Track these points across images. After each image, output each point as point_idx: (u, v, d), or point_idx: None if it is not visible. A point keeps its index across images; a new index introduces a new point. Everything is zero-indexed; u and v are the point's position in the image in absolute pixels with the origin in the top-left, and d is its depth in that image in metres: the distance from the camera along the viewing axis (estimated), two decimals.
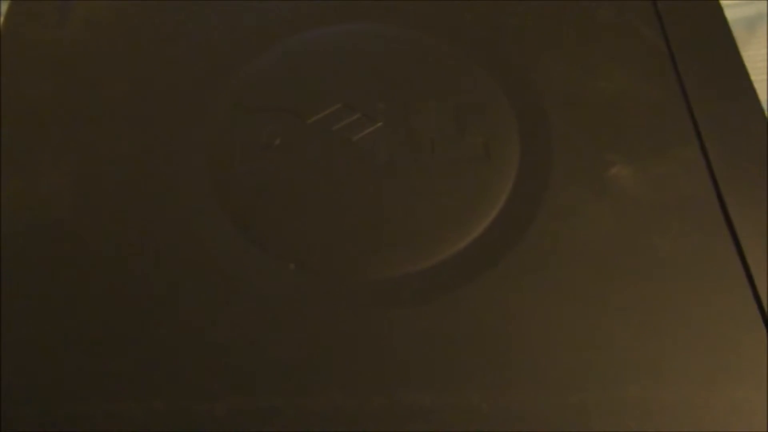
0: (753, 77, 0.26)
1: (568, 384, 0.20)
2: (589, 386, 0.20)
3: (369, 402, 0.20)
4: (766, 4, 0.36)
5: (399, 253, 0.22)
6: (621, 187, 0.24)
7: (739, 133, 0.25)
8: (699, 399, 0.20)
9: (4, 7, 0.29)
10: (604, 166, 0.24)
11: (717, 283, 0.22)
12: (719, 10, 0.28)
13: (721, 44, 0.27)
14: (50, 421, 0.19)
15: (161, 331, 0.21)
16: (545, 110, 0.25)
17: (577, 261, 0.22)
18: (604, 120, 0.25)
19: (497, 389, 0.20)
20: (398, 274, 0.22)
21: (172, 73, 0.26)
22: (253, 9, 0.28)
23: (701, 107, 0.25)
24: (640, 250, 0.22)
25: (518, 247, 0.22)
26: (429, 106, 0.25)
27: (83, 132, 0.25)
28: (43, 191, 0.23)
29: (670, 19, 0.28)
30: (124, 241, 0.22)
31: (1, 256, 0.22)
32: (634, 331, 0.21)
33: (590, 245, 0.22)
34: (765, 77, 0.34)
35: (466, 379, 0.20)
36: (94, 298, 0.21)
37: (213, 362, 0.20)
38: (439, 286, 0.22)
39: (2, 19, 0.28)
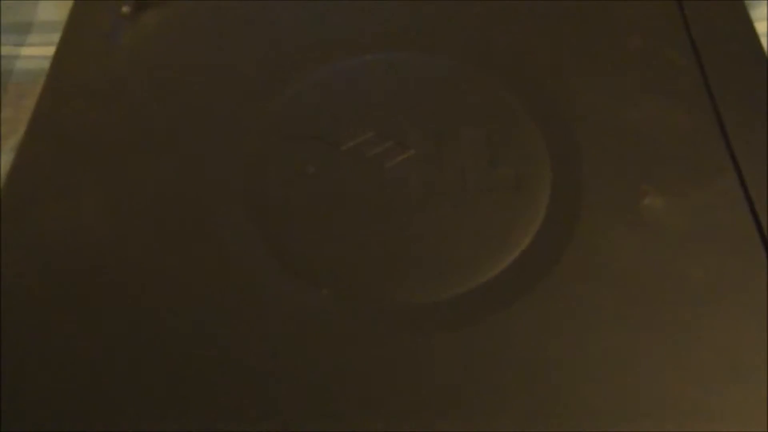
0: None
1: (600, 414, 0.20)
2: (620, 417, 0.20)
3: (400, 428, 0.20)
4: None
5: (431, 280, 0.23)
6: (654, 216, 0.23)
7: None
8: None
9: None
10: (636, 195, 0.24)
11: (755, 314, 0.21)
12: (754, 36, 0.28)
13: (755, 70, 0.27)
14: None
15: (194, 354, 0.21)
16: (577, 140, 0.25)
17: (609, 290, 0.22)
18: (637, 149, 0.25)
19: (530, 417, 0.20)
20: (429, 302, 0.22)
21: (209, 102, 0.27)
22: (288, 38, 0.29)
23: (737, 135, 0.25)
24: (674, 282, 0.22)
25: (550, 277, 0.22)
26: (461, 135, 0.26)
27: (123, 159, 0.26)
28: (84, 216, 0.24)
29: (704, 46, 0.27)
30: (162, 266, 0.23)
31: (32, 277, 0.23)
32: (664, 364, 0.20)
33: (622, 276, 0.22)
34: None
35: (499, 407, 0.20)
36: (131, 321, 0.22)
37: (245, 385, 0.21)
38: (471, 314, 0.22)
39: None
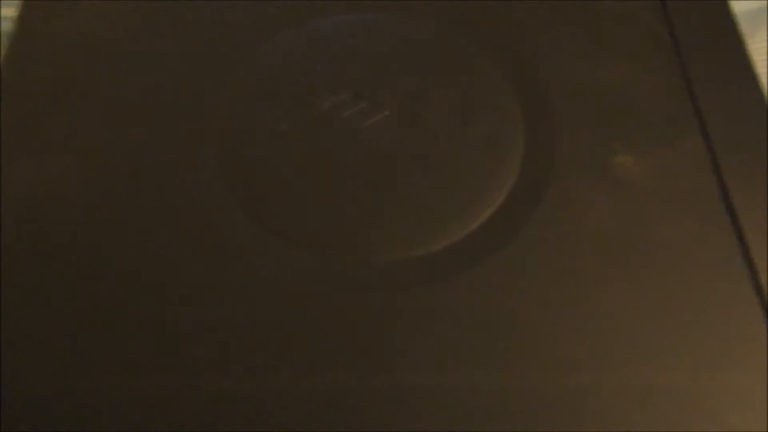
0: (758, 69, 0.26)
1: (570, 366, 0.20)
2: (589, 369, 0.20)
3: (374, 381, 0.20)
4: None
5: (405, 238, 0.23)
6: (624, 175, 0.24)
7: (742, 123, 0.25)
8: (698, 383, 0.20)
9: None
10: (607, 154, 0.24)
11: (718, 270, 0.22)
12: (726, 4, 0.28)
13: (725, 34, 0.27)
14: (57, 394, 0.20)
15: (170, 312, 0.21)
16: (549, 100, 0.26)
17: (580, 247, 0.22)
18: (608, 110, 0.25)
19: (499, 369, 0.20)
20: (404, 259, 0.22)
21: (180, 61, 0.27)
22: None
23: (704, 97, 0.25)
24: (642, 237, 0.23)
25: (522, 234, 0.23)
26: (435, 96, 0.26)
27: (91, 117, 0.25)
28: (50, 174, 0.24)
29: (674, 9, 0.28)
30: (132, 226, 0.23)
31: (5, 237, 0.22)
32: (634, 315, 0.21)
33: (593, 231, 0.23)
34: (763, 71, 0.34)
35: (470, 360, 0.20)
36: (102, 280, 0.22)
37: (220, 341, 0.21)
38: (444, 271, 0.22)
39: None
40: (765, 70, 0.32)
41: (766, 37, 0.35)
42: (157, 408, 0.20)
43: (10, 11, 0.39)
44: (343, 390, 0.20)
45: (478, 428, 0.19)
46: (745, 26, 0.35)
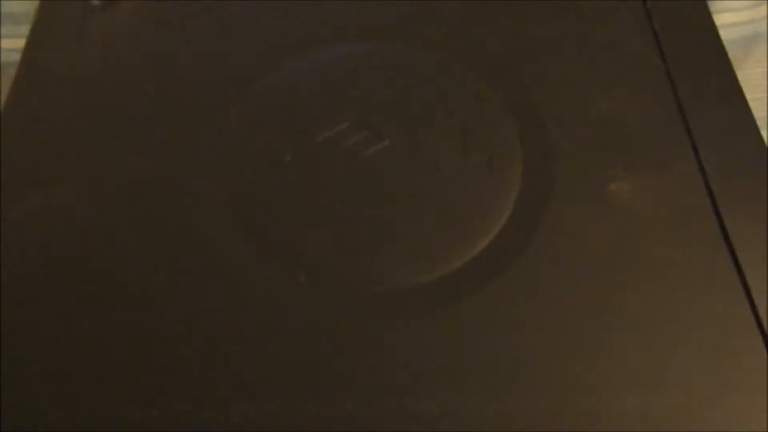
0: (748, 96, 0.27)
1: (569, 390, 0.20)
2: (588, 393, 0.20)
3: (375, 407, 0.20)
4: (759, 26, 0.37)
5: (405, 265, 0.23)
6: (621, 200, 0.24)
7: (734, 147, 0.25)
8: (697, 406, 0.20)
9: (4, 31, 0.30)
10: (604, 181, 0.25)
11: (715, 293, 0.22)
12: (714, 30, 0.29)
13: (715, 61, 0.28)
14: (60, 424, 0.20)
15: (173, 338, 0.21)
16: (547, 127, 0.26)
17: (579, 272, 0.23)
18: (604, 137, 0.26)
19: (500, 394, 0.20)
20: (404, 286, 0.23)
21: (183, 93, 0.27)
22: (263, 30, 0.29)
23: (697, 123, 0.26)
24: (640, 261, 0.23)
25: (521, 260, 0.23)
26: (435, 125, 0.26)
27: (98, 147, 0.26)
28: (54, 207, 0.24)
29: (666, 38, 0.28)
30: (138, 253, 0.23)
31: (11, 270, 0.23)
32: (632, 340, 0.21)
33: (591, 257, 0.23)
34: (761, 95, 0.35)
35: (470, 386, 0.21)
36: (107, 311, 0.22)
37: (223, 369, 0.21)
38: (444, 298, 0.22)
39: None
40: (757, 95, 0.33)
41: (759, 64, 0.36)
42: None
43: (14, 43, 0.40)
44: (343, 416, 0.20)
45: None
46: (736, 54, 0.36)
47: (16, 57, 0.38)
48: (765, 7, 0.37)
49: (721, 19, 0.37)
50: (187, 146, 0.26)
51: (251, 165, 0.26)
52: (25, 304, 0.22)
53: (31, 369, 0.21)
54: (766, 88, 0.36)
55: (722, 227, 0.23)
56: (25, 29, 0.39)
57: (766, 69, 0.36)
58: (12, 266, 0.23)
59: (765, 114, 0.34)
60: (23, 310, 0.22)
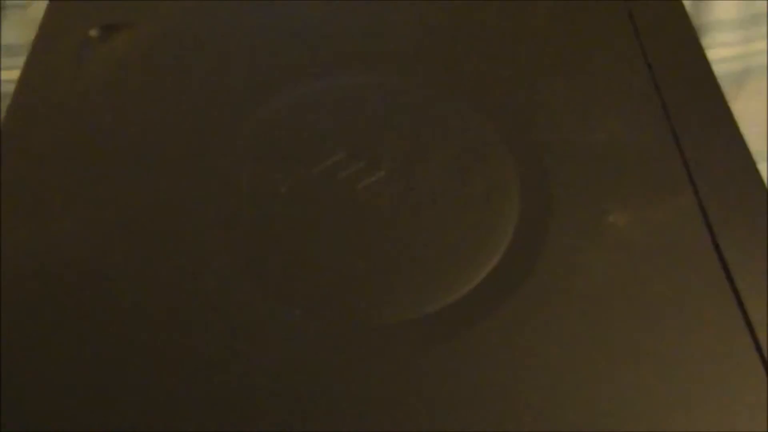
0: (742, 129, 0.27)
1: (569, 424, 0.20)
2: (587, 426, 0.20)
3: None
4: (751, 61, 0.38)
5: (402, 299, 0.23)
6: (618, 233, 0.24)
7: (730, 179, 0.25)
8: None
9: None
10: (601, 213, 0.25)
11: (715, 326, 0.22)
12: (706, 63, 0.29)
13: (709, 94, 0.28)
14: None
15: (169, 373, 0.21)
16: (544, 160, 0.26)
17: (577, 306, 0.22)
18: (601, 169, 0.26)
19: (501, 426, 0.20)
20: (401, 320, 0.22)
21: (179, 124, 0.27)
22: (258, 61, 0.30)
23: (693, 155, 0.26)
24: (638, 294, 0.23)
25: (519, 293, 0.23)
26: (431, 156, 0.26)
27: (93, 178, 0.26)
28: (52, 235, 0.24)
29: (660, 70, 0.29)
30: (133, 285, 0.23)
31: (8, 298, 0.22)
32: (632, 372, 0.21)
33: (589, 290, 0.23)
34: (754, 130, 0.35)
35: (473, 418, 0.20)
36: (104, 339, 0.22)
37: (218, 403, 0.20)
38: (442, 332, 0.22)
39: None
40: (751, 129, 0.33)
41: (750, 98, 0.37)
42: None
43: (12, 74, 0.40)
44: None
45: None
46: (729, 89, 0.36)
47: (12, 88, 0.39)
48: (757, 42, 0.38)
49: (713, 55, 0.38)
50: (182, 177, 0.26)
51: (247, 196, 0.25)
52: (24, 330, 0.22)
53: (24, 398, 0.20)
54: (764, 121, 0.36)
55: (722, 260, 0.23)
56: (20, 60, 0.40)
57: (763, 103, 0.37)
58: (11, 294, 0.22)
59: (762, 148, 0.34)
60: (23, 336, 0.22)
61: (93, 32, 0.30)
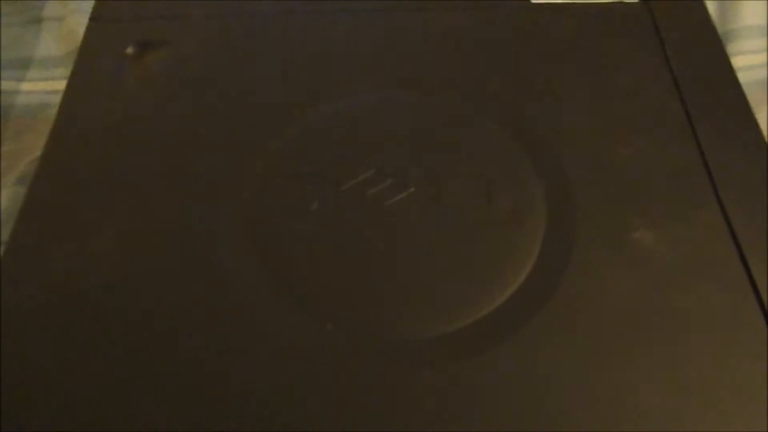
0: None
1: None
2: None
3: None
4: None
5: (431, 314, 0.23)
6: (644, 250, 0.24)
7: (757, 194, 0.25)
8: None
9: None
10: (627, 230, 0.25)
11: (743, 343, 0.22)
12: (733, 75, 0.29)
13: (736, 108, 0.28)
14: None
15: (198, 387, 0.22)
16: (569, 175, 0.26)
17: (603, 322, 0.23)
18: (627, 185, 0.26)
19: None
20: (430, 335, 0.23)
21: (212, 141, 0.28)
22: (290, 78, 0.30)
23: (719, 170, 0.26)
24: (664, 310, 0.23)
25: (545, 310, 0.23)
26: (458, 173, 0.27)
27: (129, 196, 0.26)
28: (92, 255, 0.25)
29: (685, 84, 0.29)
30: (168, 302, 0.24)
31: (48, 313, 0.23)
32: (660, 388, 0.21)
33: (615, 306, 0.23)
34: None
35: None
36: (138, 357, 0.22)
37: (248, 419, 0.21)
38: (470, 347, 0.23)
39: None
40: None
41: None
42: None
43: (50, 85, 0.41)
44: None
45: None
46: (756, 96, 0.36)
47: (50, 99, 0.40)
48: None
49: (739, 62, 0.37)
50: (215, 195, 0.26)
51: (278, 213, 0.26)
52: (53, 353, 0.23)
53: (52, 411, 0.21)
54: None
55: (749, 276, 0.23)
56: (58, 72, 0.41)
57: None
58: (42, 315, 0.23)
59: None
60: (50, 357, 0.23)
61: (129, 50, 0.31)
